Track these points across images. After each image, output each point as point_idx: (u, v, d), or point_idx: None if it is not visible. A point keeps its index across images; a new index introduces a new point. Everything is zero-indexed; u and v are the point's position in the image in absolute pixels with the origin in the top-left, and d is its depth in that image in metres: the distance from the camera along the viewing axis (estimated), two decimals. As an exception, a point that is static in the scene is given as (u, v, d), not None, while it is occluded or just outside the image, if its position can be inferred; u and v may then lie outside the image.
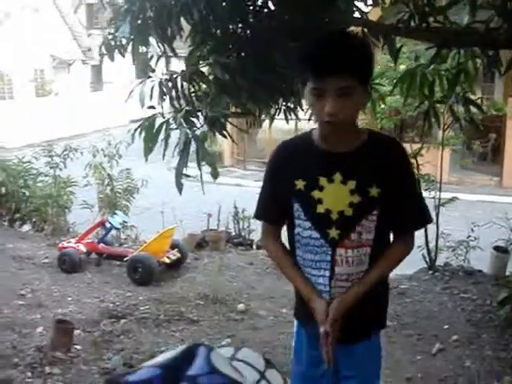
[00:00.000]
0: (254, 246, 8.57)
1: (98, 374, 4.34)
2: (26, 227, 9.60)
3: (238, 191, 12.28)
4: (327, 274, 2.24)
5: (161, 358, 0.69)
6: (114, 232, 8.42)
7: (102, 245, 7.63)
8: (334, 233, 2.23)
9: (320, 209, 2.23)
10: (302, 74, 2.14)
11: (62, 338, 4.63)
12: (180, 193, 4.15)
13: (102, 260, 7.52)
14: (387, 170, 2.21)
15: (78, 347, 4.77)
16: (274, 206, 2.38)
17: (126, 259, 7.08)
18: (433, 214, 6.69)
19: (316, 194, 2.23)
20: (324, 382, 2.42)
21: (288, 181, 2.28)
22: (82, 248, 7.45)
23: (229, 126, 4.58)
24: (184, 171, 4.04)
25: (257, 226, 8.82)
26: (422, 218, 2.37)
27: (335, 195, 2.22)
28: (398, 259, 2.32)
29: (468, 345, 5.01)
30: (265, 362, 0.70)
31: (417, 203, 2.33)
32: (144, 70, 4.56)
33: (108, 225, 7.72)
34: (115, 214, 8.09)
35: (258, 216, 2.49)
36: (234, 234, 8.99)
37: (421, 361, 4.77)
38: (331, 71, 2.03)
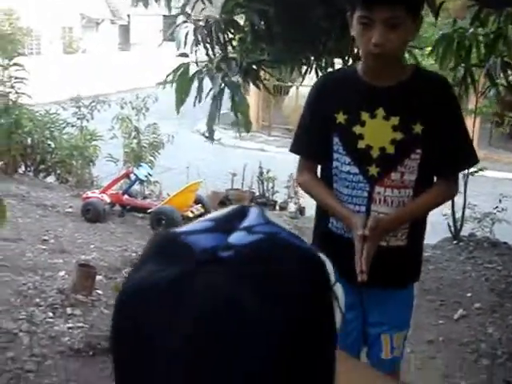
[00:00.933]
0: (278, 207, 8.55)
1: (119, 318, 4.35)
2: (51, 179, 9.65)
3: (261, 156, 12.23)
4: (363, 209, 2.19)
5: (211, 215, 0.64)
6: (137, 187, 8.44)
7: (126, 196, 7.65)
8: (373, 170, 2.17)
9: (361, 144, 2.17)
10: (350, 2, 2.06)
11: (84, 282, 4.64)
12: (211, 139, 4.12)
13: (125, 211, 7.55)
14: (433, 106, 2.12)
15: (100, 292, 4.78)
16: (312, 139, 2.31)
17: (149, 211, 7.10)
18: (461, 185, 6.67)
19: (357, 129, 2.16)
20: (351, 327, 2.37)
21: (328, 113, 2.21)
22: (106, 199, 7.47)
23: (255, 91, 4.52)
24: (216, 117, 4.00)
25: (280, 187, 8.89)
26: (468, 158, 2.30)
27: (377, 131, 2.15)
28: (441, 198, 2.26)
29: (491, 313, 4.94)
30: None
31: (463, 142, 2.24)
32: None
33: (133, 176, 7.73)
34: (140, 166, 8.09)
35: (294, 149, 2.40)
36: (257, 194, 8.97)
37: (443, 325, 4.72)
38: (382, 0, 1.95)
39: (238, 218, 0.62)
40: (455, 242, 6.81)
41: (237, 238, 0.58)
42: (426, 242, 6.24)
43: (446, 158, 2.21)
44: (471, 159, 2.32)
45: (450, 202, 6.66)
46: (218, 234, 0.59)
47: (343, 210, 2.20)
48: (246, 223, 0.61)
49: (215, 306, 0.53)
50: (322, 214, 2.36)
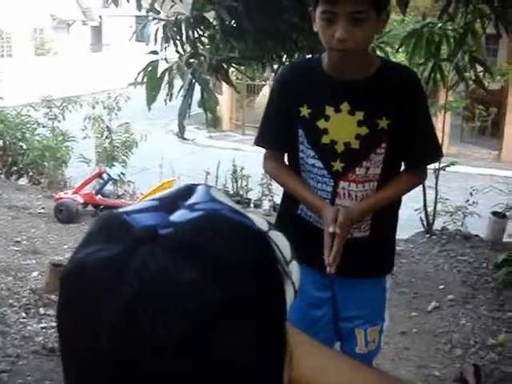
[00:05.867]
0: (252, 205, 8.56)
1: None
2: (23, 181, 9.55)
3: (235, 155, 12.25)
4: (327, 203, 2.17)
5: (158, 194, 0.65)
6: (111, 187, 8.39)
7: (99, 196, 7.60)
8: (337, 165, 2.14)
9: (325, 139, 2.13)
10: None
11: (58, 281, 4.59)
12: (182, 135, 4.12)
13: (98, 211, 7.50)
14: (399, 100, 2.10)
15: (74, 292, 4.75)
16: (277, 131, 2.27)
17: (123, 211, 7.06)
18: (432, 179, 6.75)
19: (321, 123, 2.13)
20: (323, 323, 2.37)
21: (292, 106, 2.17)
22: (79, 199, 7.42)
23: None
24: (187, 113, 4.01)
25: (254, 184, 8.89)
26: (433, 152, 2.29)
27: (341, 126, 2.11)
28: (406, 186, 2.24)
29: (463, 304, 5.00)
30: (268, 223, 0.66)
31: (429, 136, 2.24)
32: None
33: (106, 176, 7.68)
34: (113, 165, 8.05)
35: (259, 141, 2.34)
36: (231, 192, 8.97)
37: (416, 317, 4.77)
38: None
39: (184, 197, 0.62)
40: (428, 235, 6.87)
41: (178, 215, 0.59)
42: (398, 236, 6.33)
43: (412, 153, 2.20)
44: (436, 154, 2.32)
45: (421, 197, 6.76)
46: (160, 212, 0.60)
47: (314, 199, 2.18)
48: (189, 201, 0.61)
49: (151, 279, 0.54)
50: (291, 200, 2.32)
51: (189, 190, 0.64)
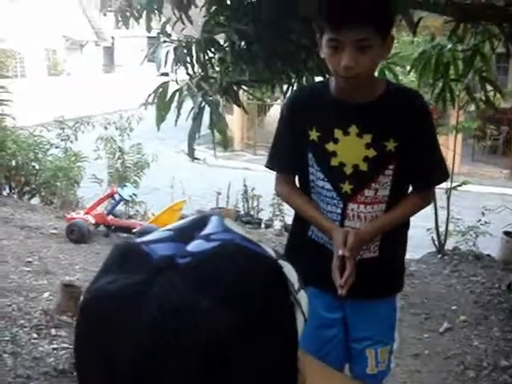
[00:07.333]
0: (263, 225, 8.56)
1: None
2: (35, 200, 9.61)
3: (246, 175, 12.29)
4: (337, 225, 2.20)
5: (173, 225, 0.67)
6: (122, 207, 8.43)
7: (110, 216, 7.63)
8: (346, 187, 2.17)
9: (334, 162, 2.16)
10: (318, 24, 2.02)
11: (69, 302, 4.61)
12: (192, 158, 4.14)
13: (110, 232, 7.53)
14: (406, 122, 2.12)
15: (85, 312, 4.74)
16: (287, 154, 2.30)
17: (134, 231, 7.09)
18: (443, 199, 6.74)
19: (330, 146, 2.16)
20: (334, 344, 2.38)
21: (301, 130, 2.20)
22: (91, 219, 7.46)
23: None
24: (196, 136, 4.02)
25: (265, 205, 8.88)
26: (440, 174, 2.30)
27: (350, 148, 2.14)
28: (413, 208, 2.25)
29: (476, 325, 4.97)
30: (275, 253, 0.68)
31: (435, 158, 2.25)
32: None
33: (117, 197, 7.71)
34: (125, 186, 8.08)
35: (269, 165, 2.38)
36: (242, 212, 8.98)
37: (428, 339, 4.73)
38: (349, 22, 1.91)
39: (199, 227, 0.64)
40: (439, 255, 6.85)
41: (195, 245, 0.61)
42: (410, 256, 6.27)
43: (419, 175, 2.22)
44: (443, 176, 2.32)
45: (433, 217, 6.74)
46: (177, 242, 0.62)
47: (324, 222, 2.20)
48: (204, 232, 0.63)
49: (171, 307, 0.55)
50: (302, 222, 2.35)
51: (203, 220, 0.66)
